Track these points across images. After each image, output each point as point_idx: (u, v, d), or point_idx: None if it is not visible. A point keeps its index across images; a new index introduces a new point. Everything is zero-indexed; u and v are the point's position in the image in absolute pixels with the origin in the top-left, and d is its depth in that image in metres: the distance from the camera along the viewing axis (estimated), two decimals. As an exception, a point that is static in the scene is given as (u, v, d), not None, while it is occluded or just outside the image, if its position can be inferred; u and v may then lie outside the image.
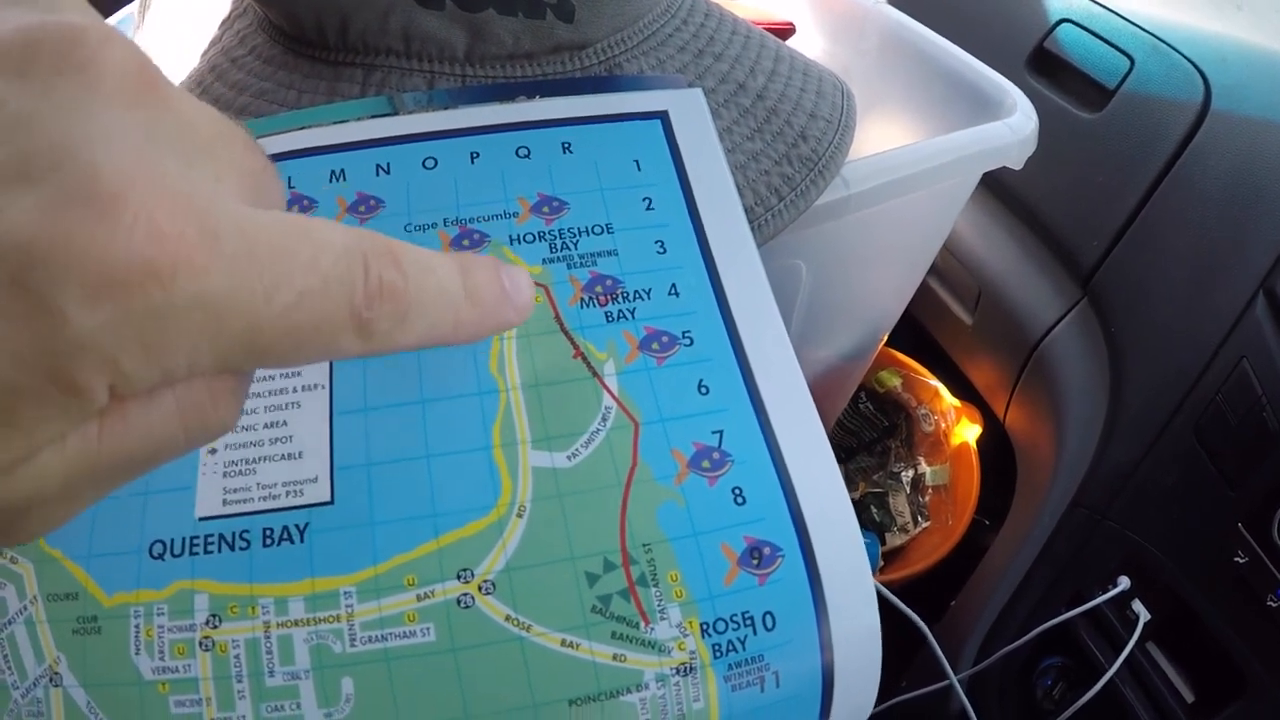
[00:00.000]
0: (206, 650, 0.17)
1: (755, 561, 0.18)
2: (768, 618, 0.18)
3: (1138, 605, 0.37)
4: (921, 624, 0.33)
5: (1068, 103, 0.37)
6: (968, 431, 0.47)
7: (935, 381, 0.48)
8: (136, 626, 0.18)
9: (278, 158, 0.23)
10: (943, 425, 0.47)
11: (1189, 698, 0.37)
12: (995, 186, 0.40)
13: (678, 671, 0.17)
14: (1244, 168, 0.33)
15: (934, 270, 0.44)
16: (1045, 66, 0.38)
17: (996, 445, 0.48)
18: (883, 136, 0.37)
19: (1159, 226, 0.35)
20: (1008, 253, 0.40)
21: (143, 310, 0.09)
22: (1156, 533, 0.37)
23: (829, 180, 0.28)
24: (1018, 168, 0.31)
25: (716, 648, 0.18)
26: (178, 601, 0.18)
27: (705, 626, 0.18)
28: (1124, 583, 0.37)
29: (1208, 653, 0.36)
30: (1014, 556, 0.40)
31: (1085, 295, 0.38)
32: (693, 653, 0.18)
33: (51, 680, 0.18)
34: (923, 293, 0.47)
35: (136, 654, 0.18)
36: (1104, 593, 0.37)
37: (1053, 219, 0.38)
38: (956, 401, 0.48)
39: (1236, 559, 0.34)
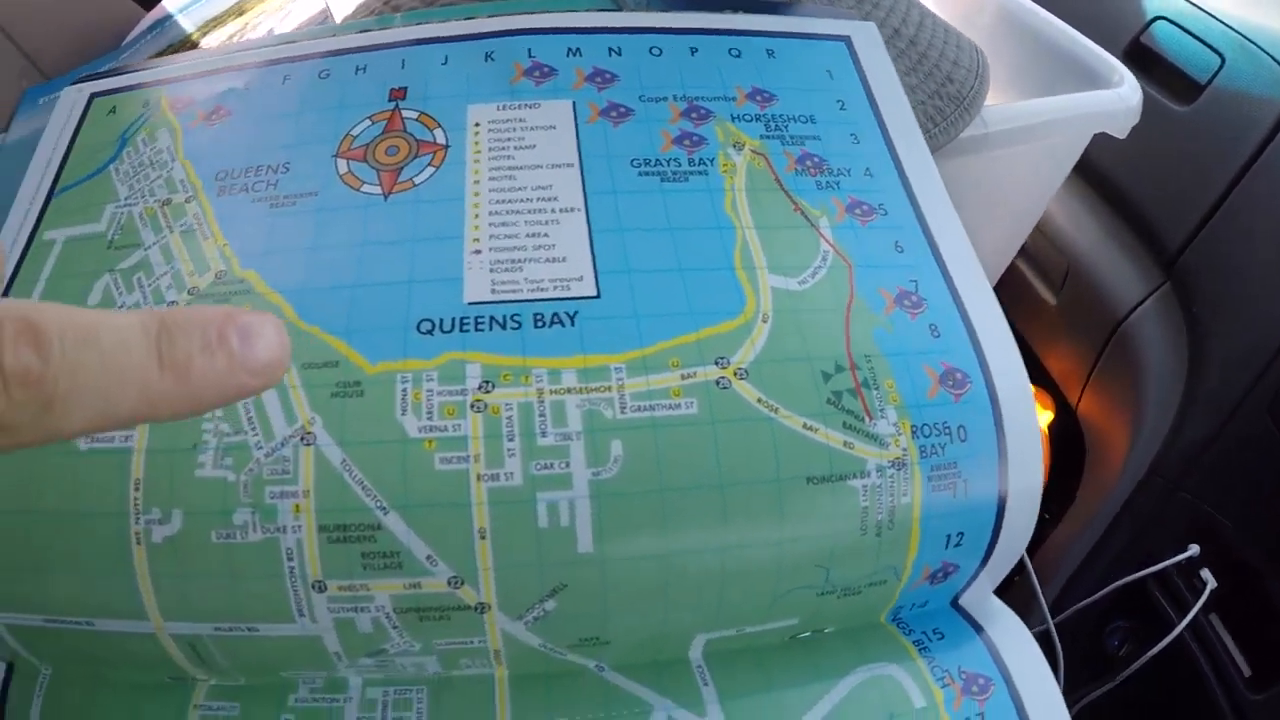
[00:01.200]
0: (478, 412, 0.20)
1: (951, 383, 0.22)
2: (961, 430, 0.22)
3: (1205, 573, 0.41)
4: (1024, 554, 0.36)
5: (1160, 95, 0.43)
6: (1040, 417, 0.51)
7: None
8: (404, 390, 0.20)
9: (519, 32, 0.28)
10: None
11: (1246, 671, 0.41)
12: (1088, 171, 0.46)
13: (892, 465, 0.21)
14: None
15: (1022, 250, 0.49)
16: (1140, 60, 0.44)
17: (1063, 437, 0.52)
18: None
19: (1243, 214, 0.41)
20: (1096, 235, 0.45)
21: None
22: (1228, 505, 0.41)
23: (972, 117, 0.33)
24: (1122, 136, 0.36)
25: (923, 449, 0.21)
26: (448, 369, 0.21)
27: (915, 429, 0.21)
28: (1194, 549, 0.41)
29: (1270, 627, 0.40)
30: (1088, 524, 0.44)
31: (1169, 278, 0.43)
32: (904, 449, 0.21)
33: (303, 440, 0.20)
34: (1008, 273, 0.51)
35: (402, 414, 0.20)
36: (1174, 557, 0.41)
37: (1142, 204, 0.43)
38: (1031, 386, 0.52)
39: (1305, 530, 0.39)
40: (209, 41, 0.37)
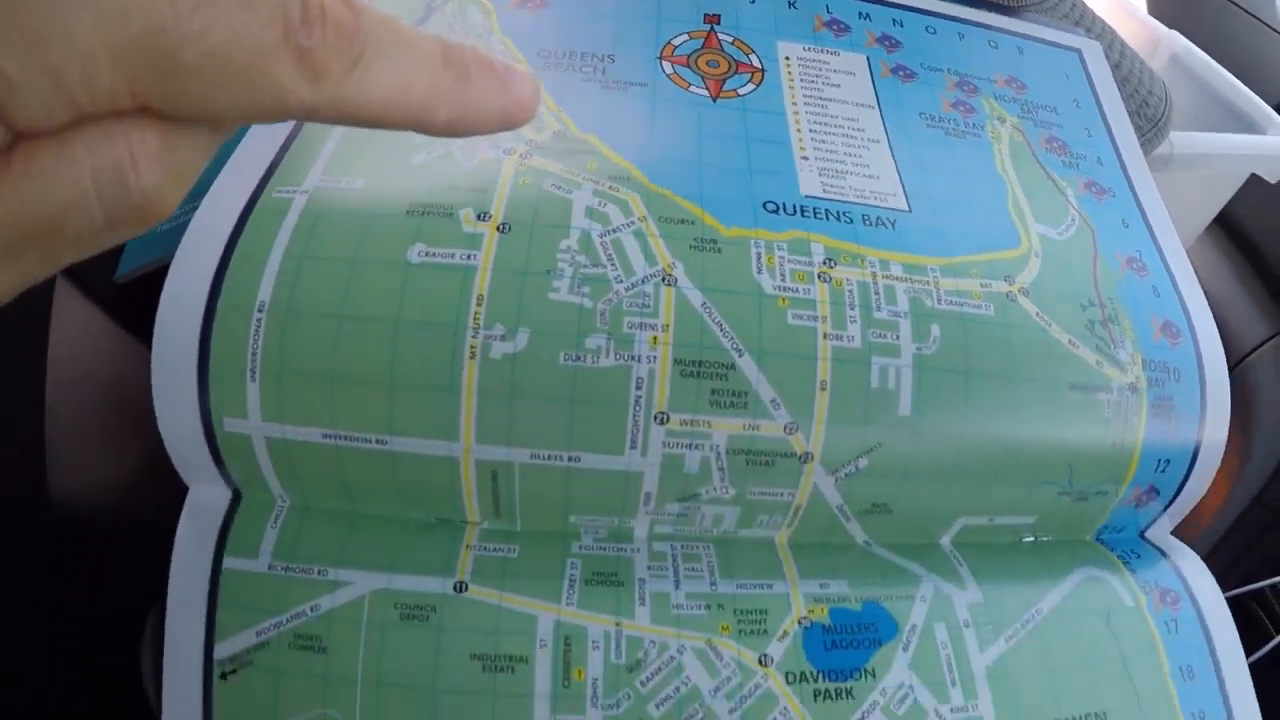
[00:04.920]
0: (824, 282, 0.25)
1: (1169, 333, 0.28)
2: (1176, 371, 0.28)
3: (1306, 601, 0.46)
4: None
5: (1302, 156, 0.50)
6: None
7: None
8: (758, 254, 0.25)
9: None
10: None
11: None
12: (1225, 219, 0.53)
13: (1129, 388, 0.27)
14: None
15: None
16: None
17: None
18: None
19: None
20: (1226, 279, 0.52)
21: None
22: (1330, 539, 0.47)
23: (1164, 138, 0.39)
24: (1274, 180, 0.43)
25: (1150, 380, 0.27)
26: (796, 244, 0.25)
27: (1145, 361, 0.27)
28: (1296, 577, 0.47)
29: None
30: (1191, 546, 0.50)
31: (1287, 327, 0.50)
32: (1138, 377, 0.27)
33: (664, 280, 0.24)
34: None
35: (758, 273, 0.25)
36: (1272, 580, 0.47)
37: (1271, 254, 0.50)
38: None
39: (1401, 569, 0.45)
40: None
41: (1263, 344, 0.50)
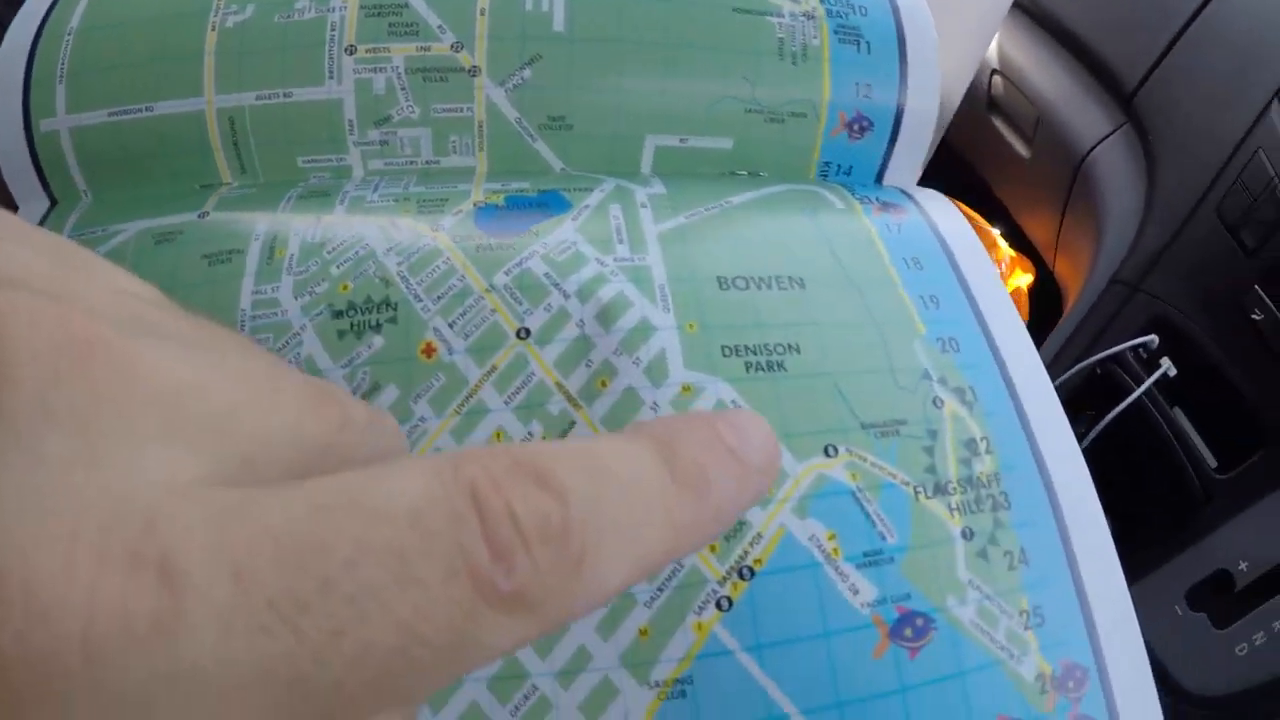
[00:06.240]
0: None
1: None
2: (862, 9, 0.31)
3: (1165, 360, 0.46)
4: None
5: (1117, -42, 0.53)
6: (1021, 279, 0.58)
7: (995, 230, 0.60)
8: None
9: None
10: (1000, 272, 0.58)
11: (1212, 462, 0.45)
12: (1054, 25, 0.55)
13: (804, 15, 0.30)
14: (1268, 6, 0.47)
15: (995, 106, 0.58)
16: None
17: (1044, 302, 0.58)
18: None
19: (1191, 55, 0.49)
20: (1062, 82, 0.53)
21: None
22: (1184, 299, 0.47)
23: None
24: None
25: (829, 11, 0.30)
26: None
27: None
28: (1153, 337, 0.47)
29: (1229, 414, 0.45)
30: (1054, 333, 0.50)
31: (1128, 119, 0.51)
32: (814, 8, 0.30)
33: None
34: (983, 131, 0.60)
35: None
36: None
37: (1103, 52, 0.52)
38: (1012, 252, 0.59)
39: (1254, 316, 0.44)
40: None
41: (1106, 137, 0.51)
